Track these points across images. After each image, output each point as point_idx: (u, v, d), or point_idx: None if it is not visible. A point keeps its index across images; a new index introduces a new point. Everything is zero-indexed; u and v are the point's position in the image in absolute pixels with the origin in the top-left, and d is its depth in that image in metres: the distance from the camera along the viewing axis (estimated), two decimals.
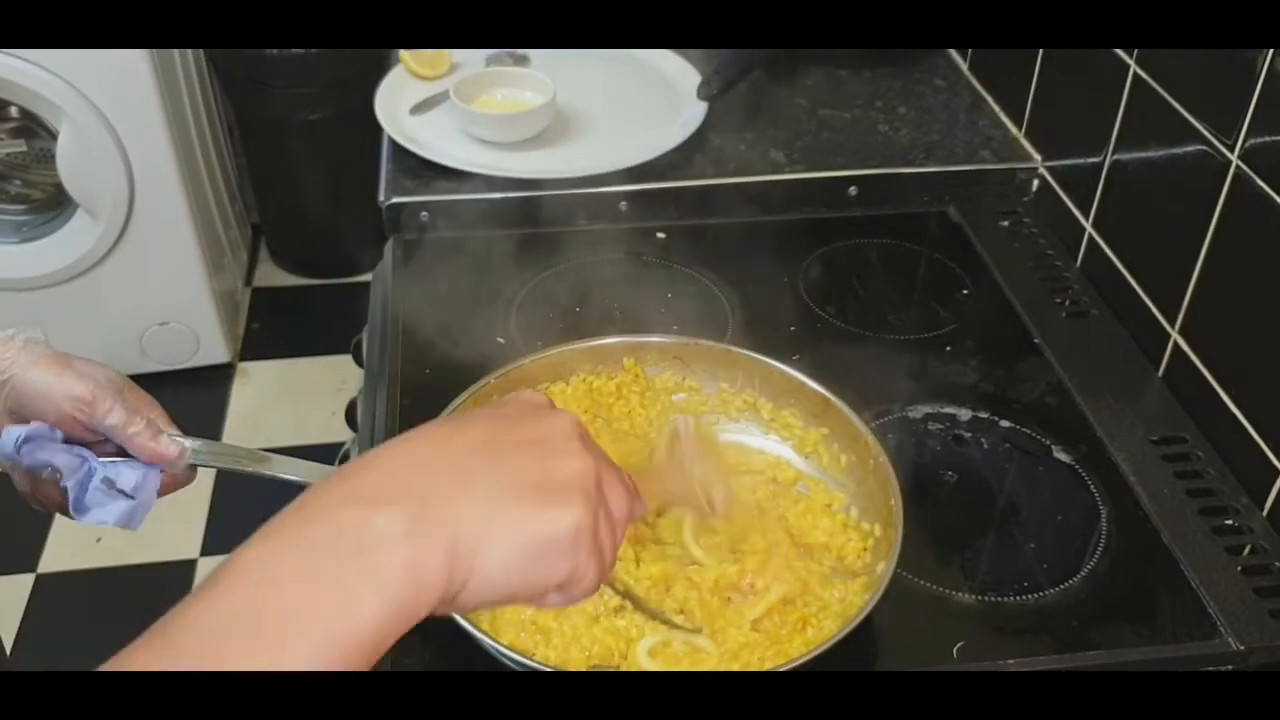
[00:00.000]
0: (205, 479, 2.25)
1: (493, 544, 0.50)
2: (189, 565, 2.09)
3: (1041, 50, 1.37)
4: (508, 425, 0.55)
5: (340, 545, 0.47)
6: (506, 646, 0.77)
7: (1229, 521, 0.99)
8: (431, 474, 0.51)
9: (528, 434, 0.54)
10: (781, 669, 0.77)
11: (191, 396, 2.49)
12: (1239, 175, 1.00)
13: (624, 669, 0.82)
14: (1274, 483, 0.98)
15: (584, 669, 0.80)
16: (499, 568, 0.50)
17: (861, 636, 0.80)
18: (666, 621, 0.84)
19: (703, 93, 1.48)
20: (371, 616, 0.47)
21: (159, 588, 2.06)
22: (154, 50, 2.08)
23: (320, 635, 0.46)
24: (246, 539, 0.48)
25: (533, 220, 1.34)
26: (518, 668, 0.77)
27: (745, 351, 1.02)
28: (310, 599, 0.46)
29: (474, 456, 0.52)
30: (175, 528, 2.16)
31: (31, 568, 2.12)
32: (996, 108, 1.52)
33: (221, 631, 0.46)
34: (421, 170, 1.36)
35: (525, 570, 0.51)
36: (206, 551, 2.12)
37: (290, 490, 0.88)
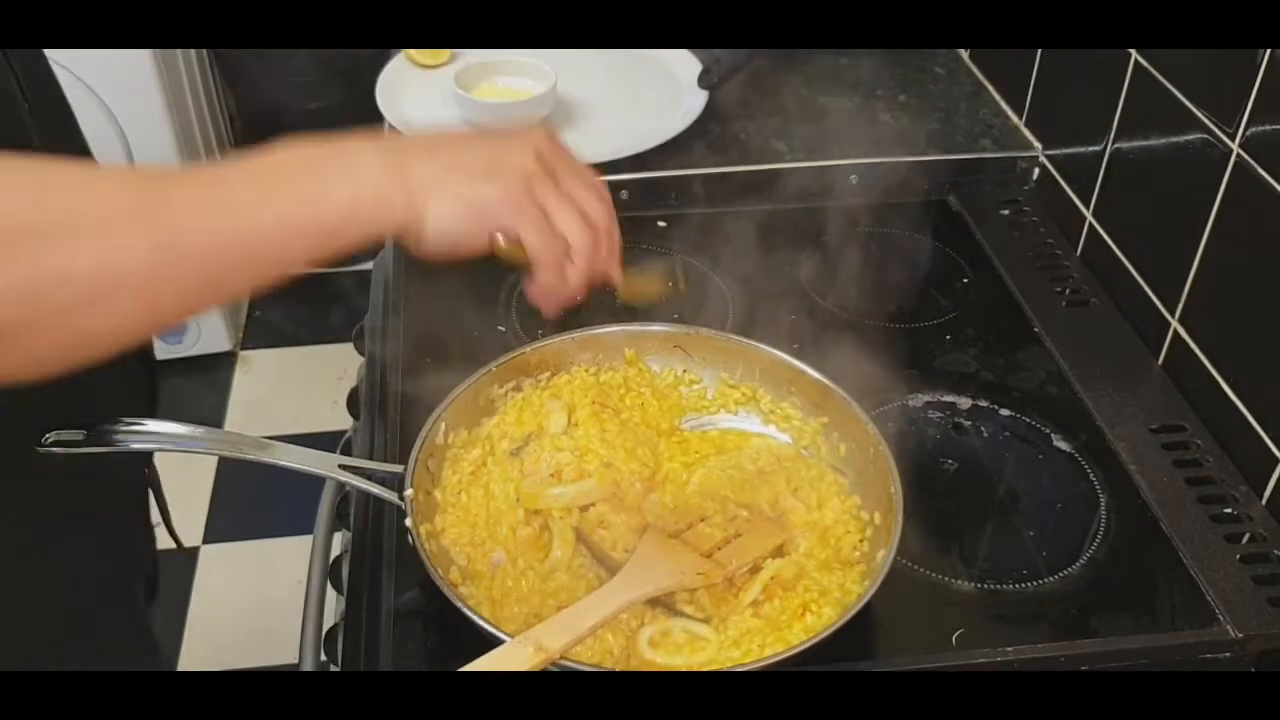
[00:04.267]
0: (206, 467, 2.25)
1: (440, 198, 0.66)
2: (191, 553, 2.10)
3: None
4: (484, 135, 0.71)
5: (336, 153, 0.65)
6: (509, 635, 0.77)
7: (1228, 510, 0.99)
8: (413, 147, 0.68)
9: (495, 139, 0.71)
10: (781, 656, 0.77)
11: (193, 384, 2.49)
12: (1239, 164, 1.00)
13: (625, 658, 0.82)
14: (1273, 471, 0.98)
15: (585, 660, 0.80)
16: (443, 215, 0.67)
17: (861, 624, 0.80)
18: (678, 613, 0.85)
19: (704, 81, 1.48)
20: (341, 201, 0.63)
21: (161, 575, 2.06)
22: None
23: (302, 199, 0.63)
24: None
25: None
26: None
27: (745, 340, 1.02)
28: (304, 175, 0.63)
29: (446, 144, 0.69)
30: (177, 515, 2.16)
31: None
32: (997, 96, 1.52)
33: (239, 181, 0.62)
34: None
35: (463, 220, 0.67)
36: (209, 539, 2.13)
37: (292, 478, 0.89)
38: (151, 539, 1.07)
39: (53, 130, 0.81)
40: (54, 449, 0.81)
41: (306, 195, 0.63)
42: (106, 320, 0.60)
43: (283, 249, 0.63)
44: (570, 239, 0.70)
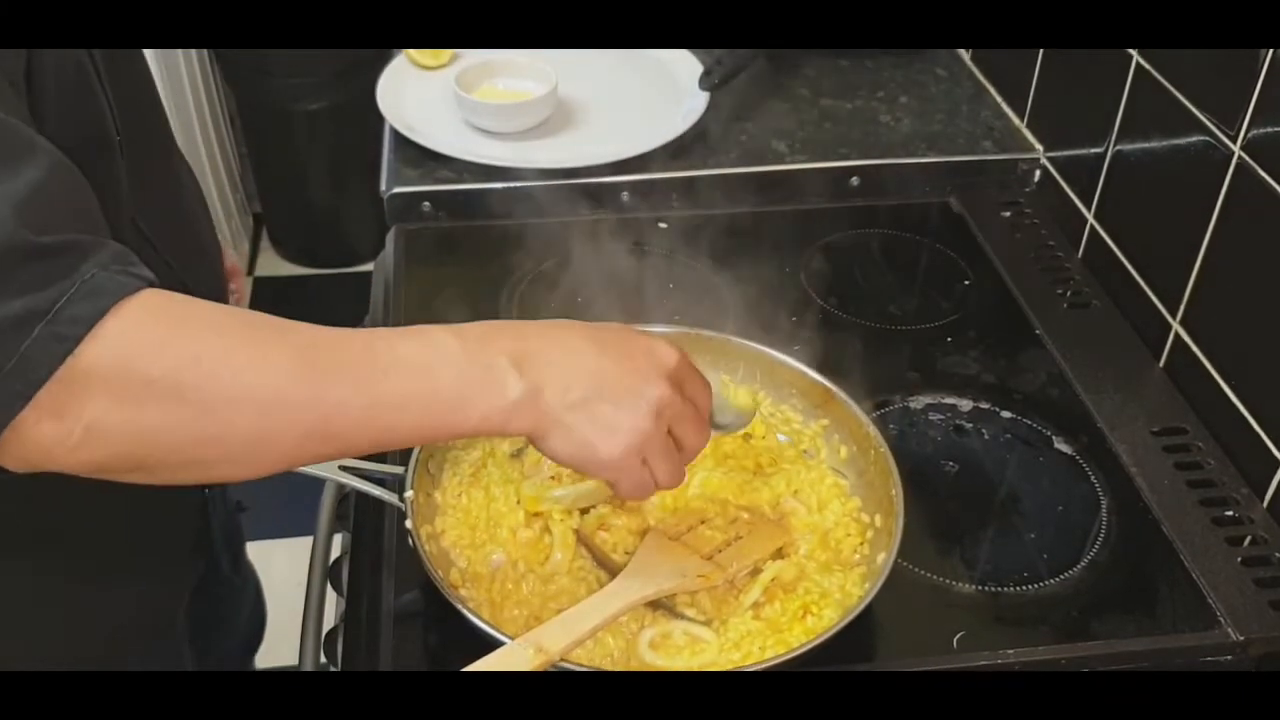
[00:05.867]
0: None
1: (559, 435, 0.70)
2: None
3: None
4: (619, 359, 0.72)
5: (482, 368, 0.68)
6: (509, 637, 0.77)
7: (1229, 512, 0.99)
8: (551, 372, 0.70)
9: (629, 376, 0.72)
10: (782, 658, 0.77)
11: None
12: (1241, 166, 1.00)
13: (625, 660, 0.82)
14: (1274, 474, 0.98)
15: (585, 662, 0.80)
16: (557, 450, 0.71)
17: (861, 626, 0.80)
18: (679, 615, 0.84)
19: (704, 83, 1.48)
20: (478, 415, 0.68)
21: None
22: None
23: (444, 408, 0.67)
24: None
25: (534, 210, 1.34)
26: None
27: (746, 342, 1.02)
28: (449, 383, 0.67)
29: (580, 377, 0.71)
30: None
31: None
32: (998, 98, 1.52)
33: (387, 378, 0.65)
34: (423, 160, 1.36)
35: (573, 460, 0.72)
36: None
37: (292, 479, 0.89)
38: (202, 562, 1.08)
39: (126, 89, 0.85)
40: None
41: (449, 404, 0.67)
42: (240, 472, 0.65)
43: (411, 440, 0.72)
44: (659, 482, 0.75)
